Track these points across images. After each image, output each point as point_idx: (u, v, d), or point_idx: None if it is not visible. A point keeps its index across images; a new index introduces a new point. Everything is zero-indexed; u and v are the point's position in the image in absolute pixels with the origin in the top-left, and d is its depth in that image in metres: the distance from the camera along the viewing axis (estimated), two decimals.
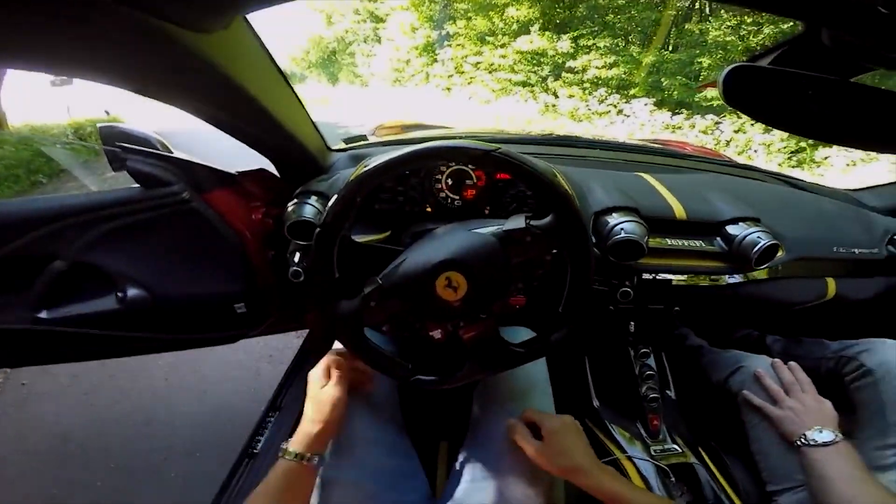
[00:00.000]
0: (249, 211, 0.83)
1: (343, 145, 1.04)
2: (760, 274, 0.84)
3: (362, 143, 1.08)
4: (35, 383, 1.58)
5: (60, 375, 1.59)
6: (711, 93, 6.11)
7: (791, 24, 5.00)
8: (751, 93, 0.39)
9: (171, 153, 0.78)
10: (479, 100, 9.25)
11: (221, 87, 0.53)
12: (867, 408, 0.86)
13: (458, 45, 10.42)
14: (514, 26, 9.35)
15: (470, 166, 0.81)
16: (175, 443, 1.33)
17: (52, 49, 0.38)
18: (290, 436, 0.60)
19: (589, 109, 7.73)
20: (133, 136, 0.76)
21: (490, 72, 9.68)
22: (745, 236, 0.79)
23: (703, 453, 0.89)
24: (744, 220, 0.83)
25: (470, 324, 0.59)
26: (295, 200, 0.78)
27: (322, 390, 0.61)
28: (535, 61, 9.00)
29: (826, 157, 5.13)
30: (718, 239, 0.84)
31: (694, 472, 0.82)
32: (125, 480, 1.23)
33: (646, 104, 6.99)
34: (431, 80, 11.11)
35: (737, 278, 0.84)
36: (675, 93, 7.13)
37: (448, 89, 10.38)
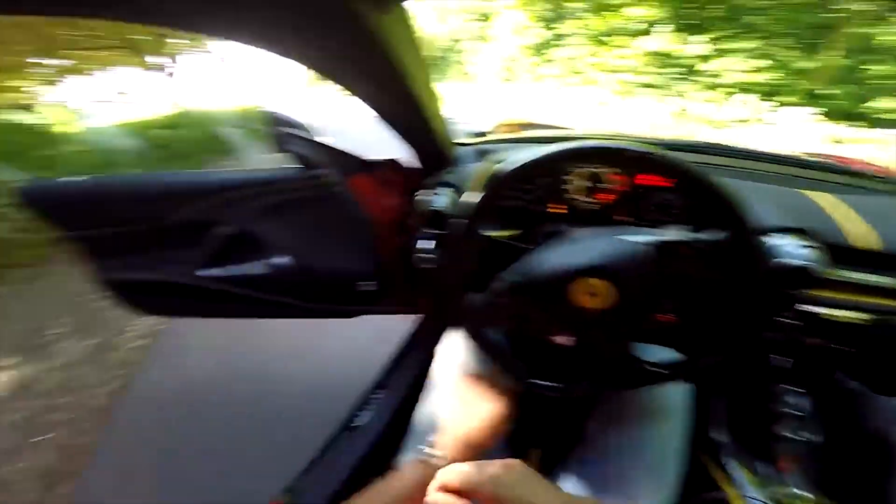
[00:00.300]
0: (384, 197, 0.89)
1: (467, 139, 1.04)
2: None
3: (485, 138, 1.09)
4: (189, 332, 1.82)
5: (199, 335, 1.80)
6: (887, 103, 4.97)
7: None
8: None
9: (321, 139, 0.86)
10: (596, 101, 8.87)
11: (389, 70, 0.54)
12: None
13: (574, 45, 10.05)
14: (633, 26, 8.80)
15: (605, 169, 0.76)
16: (289, 403, 1.44)
17: (263, 23, 0.40)
18: (393, 419, 0.60)
19: (726, 115, 7.04)
20: (293, 122, 0.84)
21: (611, 72, 9.19)
22: None
23: None
24: None
25: (605, 335, 0.56)
26: (427, 190, 0.79)
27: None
28: (662, 63, 8.45)
29: None
30: None
31: None
32: (237, 431, 1.37)
33: (804, 113, 6.19)
34: (545, 78, 10.87)
35: None
36: (840, 102, 6.19)
37: (562, 89, 10.05)
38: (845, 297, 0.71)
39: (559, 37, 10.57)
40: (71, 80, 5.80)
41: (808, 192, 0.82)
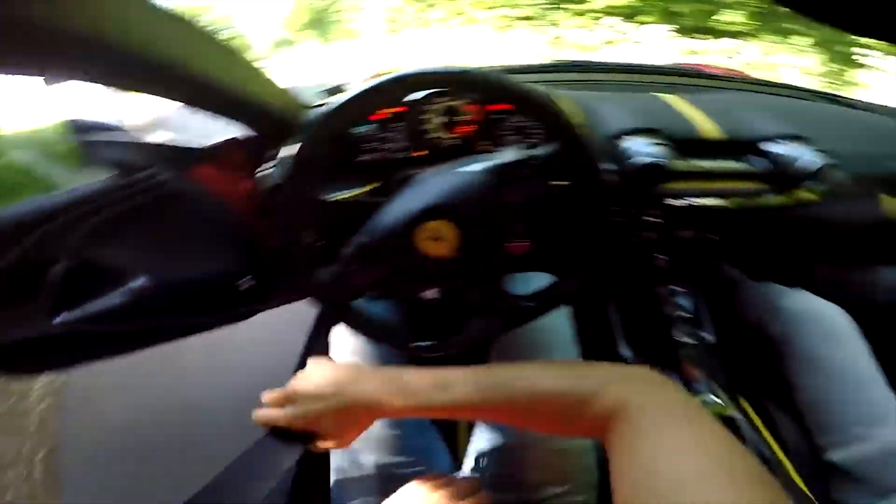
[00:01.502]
0: (236, 182, 0.79)
1: (320, 100, 0.94)
2: (810, 195, 0.77)
3: (342, 92, 0.98)
4: (91, 380, 1.64)
5: (104, 373, 1.66)
6: (730, 16, 5.60)
7: None
8: None
9: (141, 138, 0.75)
10: (481, 38, 8.73)
11: (172, 70, 0.48)
12: None
13: None
14: None
15: (460, 101, 0.72)
16: (222, 420, 1.34)
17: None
18: None
19: (597, 39, 7.28)
20: (102, 126, 0.73)
21: (489, 9, 9.07)
22: (789, 154, 0.71)
23: (746, 405, 0.83)
24: (786, 137, 0.75)
25: (468, 279, 0.53)
26: (266, 165, 0.73)
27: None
28: None
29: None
30: (758, 158, 0.75)
31: (737, 428, 0.76)
32: (180, 466, 1.26)
33: (662, 30, 6.56)
34: (432, 24, 10.49)
35: (784, 198, 0.76)
36: (690, 18, 6.63)
37: (449, 31, 9.81)
38: (704, 186, 0.75)
39: None
40: None
41: (661, 95, 0.85)
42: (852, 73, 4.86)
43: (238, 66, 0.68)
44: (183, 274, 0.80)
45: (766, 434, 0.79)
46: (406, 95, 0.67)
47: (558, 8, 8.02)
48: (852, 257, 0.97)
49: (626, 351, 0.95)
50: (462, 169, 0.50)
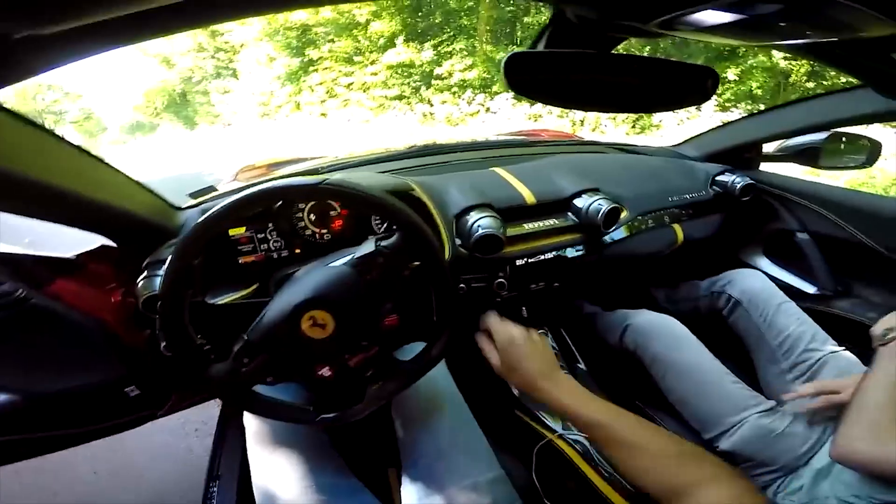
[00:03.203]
0: (105, 294, 0.77)
1: (192, 201, 0.93)
2: (622, 233, 0.92)
3: (213, 194, 0.95)
4: None
5: None
6: None
7: None
8: (528, 76, 0.40)
9: None
10: (359, 120, 9.18)
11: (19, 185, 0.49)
12: (749, 336, 0.96)
13: (326, 68, 10.25)
14: (381, 41, 9.48)
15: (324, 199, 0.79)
16: None
17: None
18: (238, 501, 0.59)
19: (462, 112, 8.15)
20: None
21: (364, 90, 9.68)
22: (590, 205, 0.86)
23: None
24: (586, 191, 0.90)
25: (353, 355, 0.61)
26: (144, 274, 0.72)
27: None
28: (405, 73, 9.22)
29: (660, 121, 6.07)
30: (569, 213, 0.90)
31: None
32: None
33: (506, 99, 7.57)
34: (304, 108, 10.74)
35: (601, 241, 0.91)
36: None
37: (324, 115, 10.13)
38: (535, 245, 0.87)
39: (311, 62, 10.53)
40: None
41: (495, 169, 0.97)
42: (650, 119, 6.20)
43: (91, 170, 0.66)
44: (56, 386, 0.78)
45: None
46: (274, 206, 0.72)
47: (428, 86, 8.91)
48: (668, 278, 1.17)
49: (515, 391, 0.99)
50: (330, 264, 0.59)
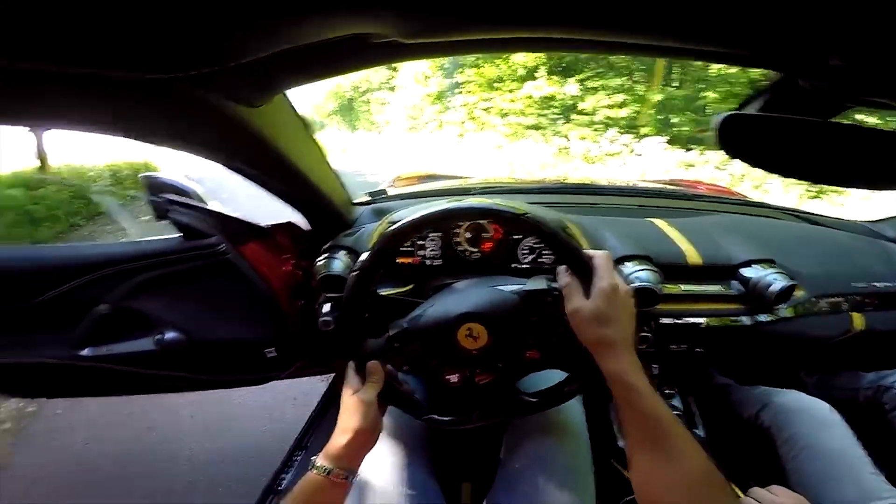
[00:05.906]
0: (280, 263, 0.88)
1: (365, 198, 1.09)
2: (786, 312, 0.85)
3: (383, 196, 1.13)
4: (68, 413, 1.64)
5: (92, 406, 1.64)
6: None
7: None
8: (743, 139, 0.41)
9: (208, 205, 0.84)
10: (492, 145, 9.50)
11: (263, 152, 0.60)
12: None
13: (469, 91, 10.89)
14: (521, 72, 9.73)
15: (488, 221, 0.83)
16: (197, 478, 1.35)
17: (118, 117, 0.44)
18: None
19: (601, 150, 7.82)
20: (175, 188, 0.82)
21: (501, 116, 10.01)
22: (760, 279, 0.80)
23: (739, 492, 0.86)
24: (758, 262, 0.84)
25: (485, 371, 0.64)
26: (324, 255, 0.82)
27: (351, 396, 0.59)
28: (544, 105, 9.27)
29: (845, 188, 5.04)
30: (735, 282, 0.85)
31: None
32: None
33: (658, 142, 7.02)
34: (445, 126, 11.53)
35: (762, 318, 0.84)
36: (686, 129, 7.21)
37: (461, 136, 10.72)
38: (689, 307, 0.84)
39: (457, 84, 11.34)
40: None
41: (653, 220, 0.96)
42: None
43: (320, 161, 0.77)
44: (216, 335, 0.88)
45: None
46: (450, 223, 0.81)
47: (567, 120, 8.82)
48: (832, 365, 1.00)
49: (621, 442, 0.96)
50: (496, 286, 0.64)
